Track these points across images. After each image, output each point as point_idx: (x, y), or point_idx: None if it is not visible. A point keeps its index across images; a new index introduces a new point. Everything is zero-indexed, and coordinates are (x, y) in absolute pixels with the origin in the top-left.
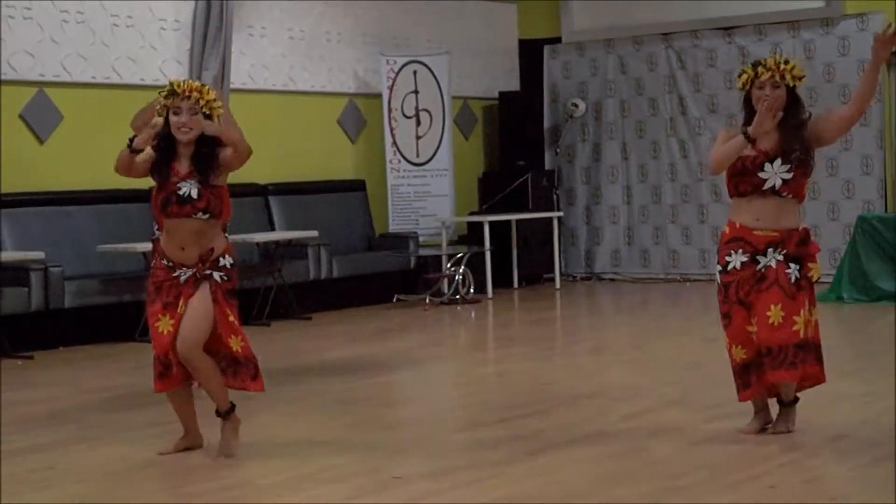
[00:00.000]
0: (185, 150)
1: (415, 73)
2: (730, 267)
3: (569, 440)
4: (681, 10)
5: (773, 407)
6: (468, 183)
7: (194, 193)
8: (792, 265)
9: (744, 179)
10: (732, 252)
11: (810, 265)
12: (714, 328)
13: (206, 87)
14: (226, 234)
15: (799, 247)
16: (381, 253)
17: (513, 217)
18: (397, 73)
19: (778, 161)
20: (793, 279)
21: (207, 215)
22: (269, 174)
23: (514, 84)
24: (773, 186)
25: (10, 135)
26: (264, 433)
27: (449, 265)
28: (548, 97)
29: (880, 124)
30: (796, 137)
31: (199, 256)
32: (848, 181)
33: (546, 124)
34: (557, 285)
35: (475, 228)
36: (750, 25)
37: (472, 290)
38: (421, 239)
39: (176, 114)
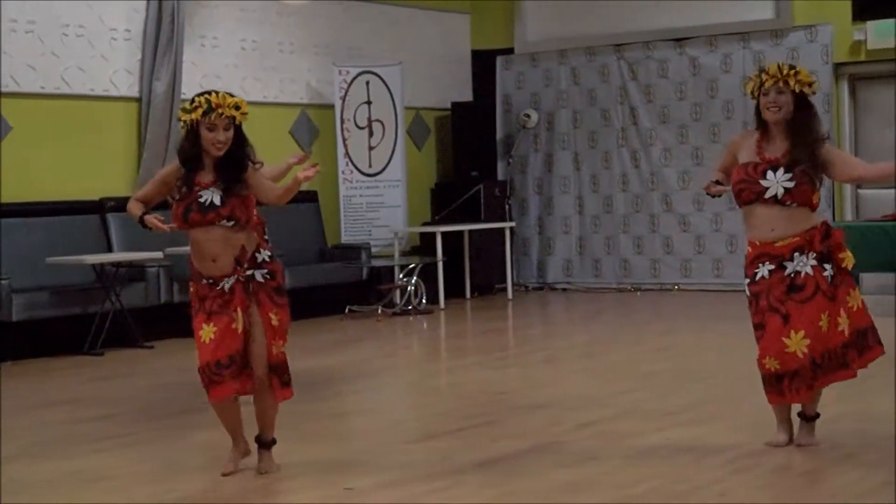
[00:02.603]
0: (208, 159)
1: (367, 83)
2: (758, 277)
3: (523, 450)
4: (633, 21)
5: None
6: (421, 193)
7: (217, 200)
8: (826, 266)
9: (746, 187)
10: (760, 265)
11: (841, 255)
12: (666, 337)
13: (241, 100)
14: (265, 237)
15: (824, 242)
16: (334, 264)
17: (465, 227)
18: (350, 84)
19: (780, 170)
20: (830, 279)
21: (233, 223)
22: None
23: (466, 95)
24: (776, 195)
25: None
26: (216, 445)
27: (401, 276)
28: (500, 108)
29: (829, 134)
30: (806, 151)
31: (235, 260)
32: None
33: (499, 135)
34: (510, 295)
35: (428, 239)
36: (701, 37)
37: (424, 301)
38: (373, 250)
39: (211, 130)
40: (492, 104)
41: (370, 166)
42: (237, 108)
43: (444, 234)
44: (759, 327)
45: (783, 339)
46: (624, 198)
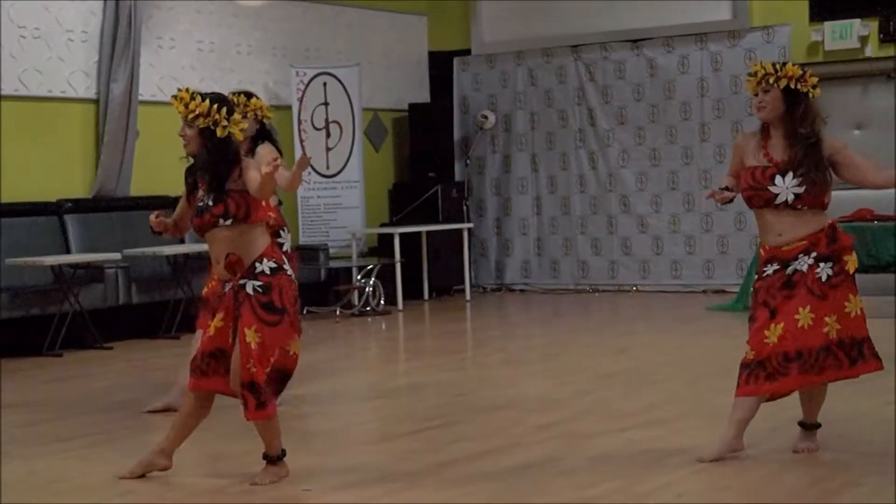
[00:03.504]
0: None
1: (325, 84)
2: (765, 274)
3: (481, 451)
4: (590, 22)
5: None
6: (378, 194)
7: (210, 201)
8: (822, 264)
9: (755, 193)
10: (769, 264)
11: (845, 258)
12: (625, 338)
13: (196, 99)
14: (284, 238)
15: (829, 245)
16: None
17: (423, 228)
18: (307, 85)
19: (790, 175)
20: (824, 278)
21: (230, 220)
22: (180, 187)
23: (424, 96)
24: (786, 201)
25: None
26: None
27: (359, 277)
28: (458, 109)
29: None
30: (803, 150)
31: (228, 266)
32: None
33: (456, 136)
34: (468, 296)
35: (385, 240)
36: (658, 38)
37: (382, 302)
38: (331, 251)
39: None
40: (449, 105)
41: (328, 167)
42: (186, 105)
43: (401, 235)
44: (751, 320)
45: (764, 331)
46: (581, 199)
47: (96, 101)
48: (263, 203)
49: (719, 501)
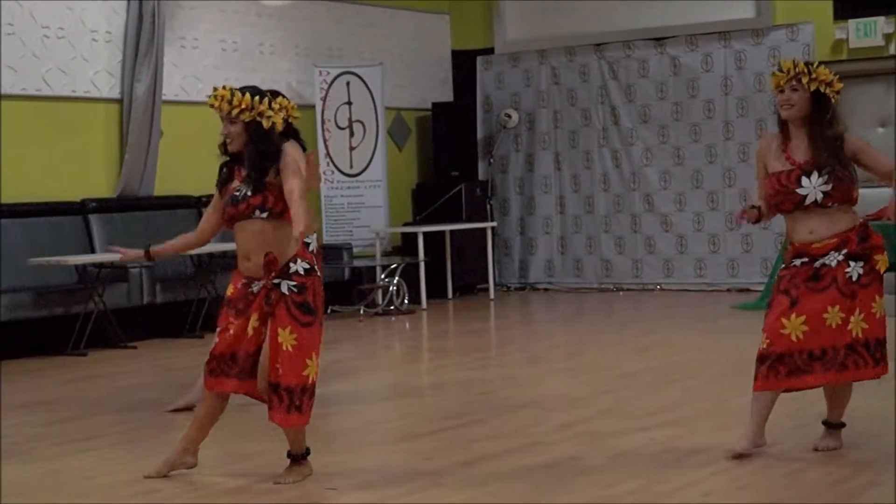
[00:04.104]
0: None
1: (348, 84)
2: (792, 265)
3: (504, 450)
4: (613, 20)
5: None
6: (402, 194)
7: (248, 191)
8: (853, 263)
9: (784, 198)
10: (798, 258)
11: (877, 258)
12: (648, 337)
13: (237, 95)
14: (310, 238)
15: (861, 244)
16: None
17: (447, 227)
18: (330, 85)
19: (815, 175)
20: (854, 276)
21: (266, 213)
22: (204, 187)
23: (447, 95)
24: (816, 201)
25: None
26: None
27: (383, 276)
28: (481, 108)
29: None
30: (828, 152)
31: (265, 266)
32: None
33: (479, 135)
34: (491, 295)
35: (409, 239)
36: (681, 36)
37: (406, 301)
38: (355, 250)
39: (224, 122)
40: (472, 104)
41: (351, 167)
42: (230, 102)
43: (425, 234)
44: (769, 306)
45: (782, 318)
46: (605, 197)
47: (120, 101)
48: None
49: (741, 500)
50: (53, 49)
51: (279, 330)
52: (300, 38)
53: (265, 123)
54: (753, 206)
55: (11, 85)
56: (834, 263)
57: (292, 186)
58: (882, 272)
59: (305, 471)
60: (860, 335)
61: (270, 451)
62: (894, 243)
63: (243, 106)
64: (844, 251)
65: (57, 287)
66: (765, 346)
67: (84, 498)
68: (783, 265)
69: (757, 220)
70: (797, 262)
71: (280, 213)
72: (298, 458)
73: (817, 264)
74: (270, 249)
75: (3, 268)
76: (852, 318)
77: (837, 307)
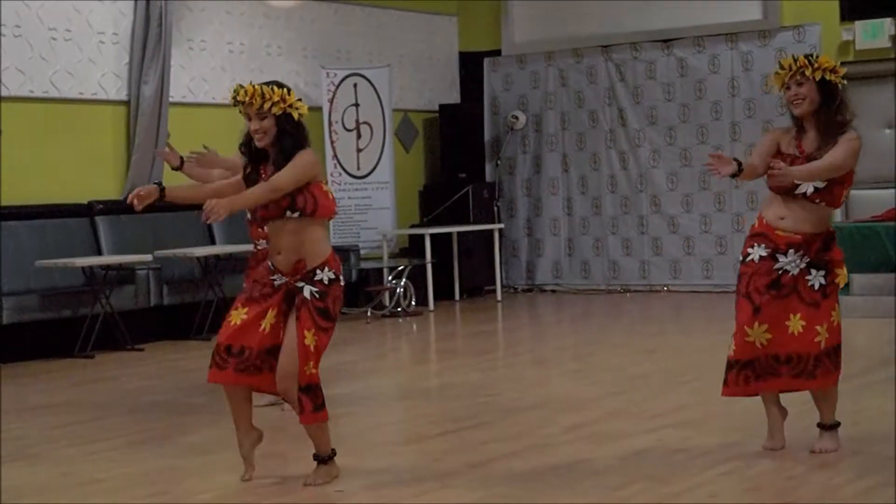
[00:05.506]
0: (271, 151)
1: (355, 85)
2: (748, 259)
3: (512, 452)
4: (620, 22)
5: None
6: (409, 195)
7: None
8: (814, 271)
9: (780, 181)
10: (755, 244)
11: (838, 271)
12: (655, 339)
13: (271, 88)
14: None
15: (820, 253)
16: None
17: (454, 229)
18: (337, 86)
19: None
20: (816, 286)
21: (297, 213)
22: None
23: (454, 97)
24: (805, 193)
25: None
26: (207, 447)
27: (390, 278)
28: (488, 110)
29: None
30: (834, 140)
31: (293, 266)
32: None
33: (487, 136)
34: (499, 297)
35: (416, 241)
36: (689, 37)
37: (413, 303)
38: (362, 252)
39: (249, 119)
40: (479, 106)
41: (358, 168)
42: (263, 96)
43: (432, 235)
44: (736, 307)
45: (746, 327)
46: (612, 199)
47: (127, 103)
48: (330, 196)
49: (749, 502)
50: (61, 51)
51: (305, 332)
52: (307, 40)
53: (295, 115)
54: (735, 159)
55: (19, 87)
56: (795, 271)
57: (278, 175)
58: (840, 286)
59: (333, 472)
60: (824, 345)
61: (281, 452)
62: (894, 244)
63: (276, 99)
64: (805, 257)
65: (64, 289)
66: (731, 353)
67: (92, 499)
68: (741, 257)
69: (733, 175)
70: (754, 254)
71: (312, 212)
72: (325, 459)
73: (776, 267)
74: (303, 247)
75: (11, 270)
76: (818, 329)
77: (799, 315)
